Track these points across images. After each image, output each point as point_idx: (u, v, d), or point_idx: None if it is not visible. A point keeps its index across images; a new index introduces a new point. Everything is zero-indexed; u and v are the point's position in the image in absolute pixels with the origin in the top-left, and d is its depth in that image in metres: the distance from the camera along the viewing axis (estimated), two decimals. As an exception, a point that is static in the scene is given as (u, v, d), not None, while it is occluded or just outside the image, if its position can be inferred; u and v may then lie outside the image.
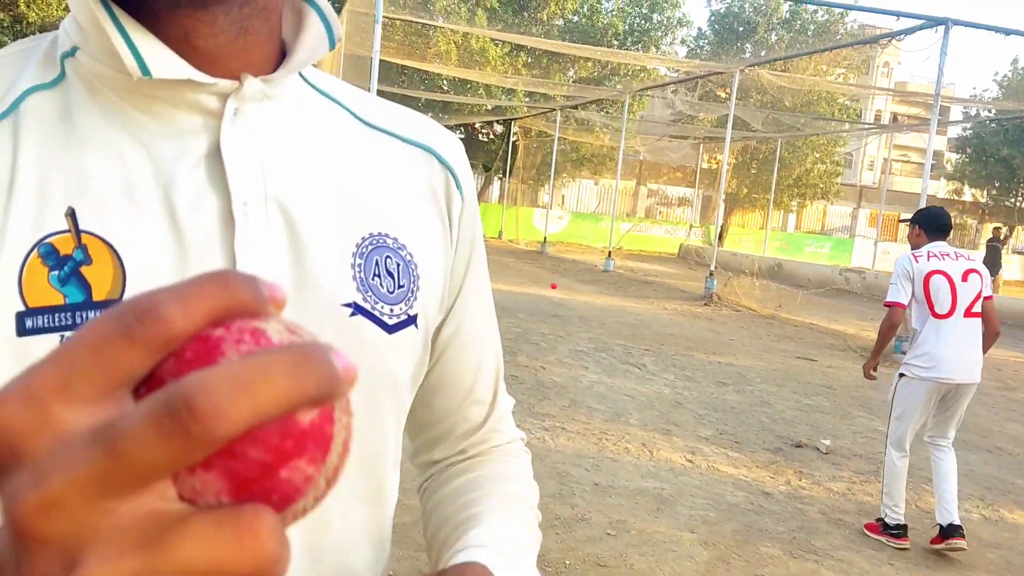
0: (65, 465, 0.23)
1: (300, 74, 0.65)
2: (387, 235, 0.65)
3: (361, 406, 0.62)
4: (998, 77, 31.78)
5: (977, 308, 4.10)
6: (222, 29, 0.54)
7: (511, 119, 24.89)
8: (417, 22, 18.30)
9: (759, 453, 5.37)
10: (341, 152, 0.65)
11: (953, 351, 4.00)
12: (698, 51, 29.63)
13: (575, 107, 21.71)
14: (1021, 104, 19.86)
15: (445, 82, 22.23)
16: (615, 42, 23.68)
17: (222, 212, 0.56)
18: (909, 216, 4.49)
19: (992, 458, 5.84)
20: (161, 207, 0.55)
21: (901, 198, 32.76)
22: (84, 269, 0.53)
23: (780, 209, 30.02)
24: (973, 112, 28.46)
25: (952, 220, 4.42)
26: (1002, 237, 19.88)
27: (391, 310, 0.64)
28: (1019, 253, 31.04)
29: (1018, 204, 30.73)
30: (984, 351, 4.14)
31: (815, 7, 27.91)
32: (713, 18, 30.01)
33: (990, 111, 25.09)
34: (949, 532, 3.94)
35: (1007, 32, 10.57)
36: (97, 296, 0.53)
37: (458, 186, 0.71)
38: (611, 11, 24.59)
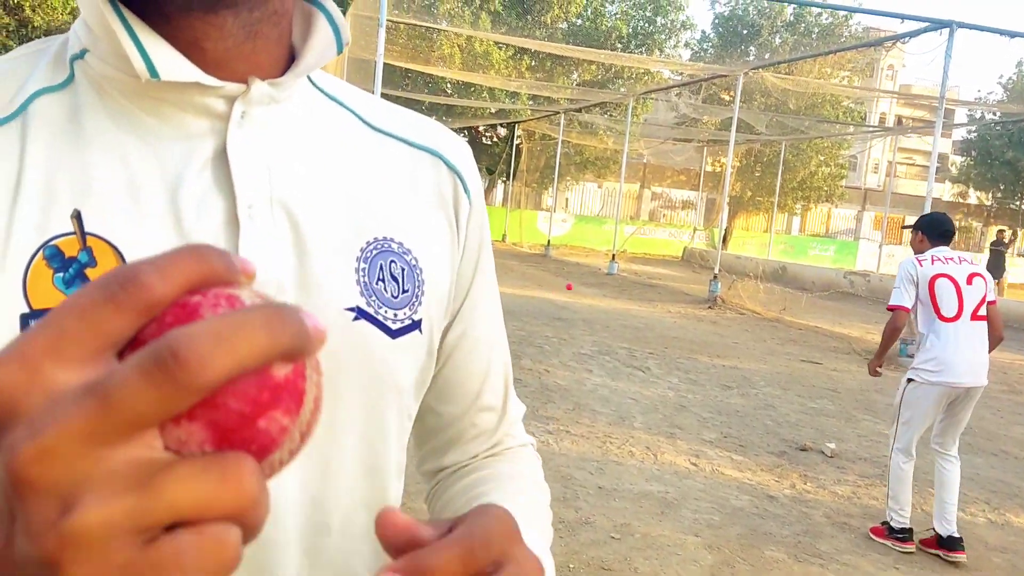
0: (59, 416, 0.25)
1: (308, 78, 0.65)
2: (392, 239, 0.65)
3: (363, 410, 0.62)
4: (1003, 80, 31.71)
5: (983, 312, 4.10)
6: (231, 33, 0.55)
7: (515, 122, 24.91)
8: (421, 25, 18.33)
9: (763, 456, 5.36)
10: (348, 156, 0.65)
11: (961, 354, 3.99)
12: (702, 54, 29.62)
13: (579, 110, 21.72)
14: (1026, 107, 19.83)
15: (449, 85, 22.26)
16: (619, 45, 23.68)
17: (227, 214, 0.57)
18: (912, 222, 4.51)
19: (998, 462, 5.82)
20: (166, 209, 0.55)
21: (906, 201, 32.69)
22: (89, 271, 0.53)
23: (784, 212, 29.99)
24: (978, 115, 28.40)
25: (955, 225, 4.42)
26: (1006, 240, 19.78)
27: (395, 315, 0.64)
28: (1024, 256, 30.95)
29: (1023, 207, 30.66)
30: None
31: (819, 10, 27.90)
32: (717, 21, 30.00)
33: (995, 114, 25.04)
34: (950, 544, 3.94)
35: (1012, 35, 10.56)
36: None
37: (466, 190, 0.71)
38: (615, 14, 24.61)
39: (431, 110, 21.62)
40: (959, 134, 33.38)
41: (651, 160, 30.76)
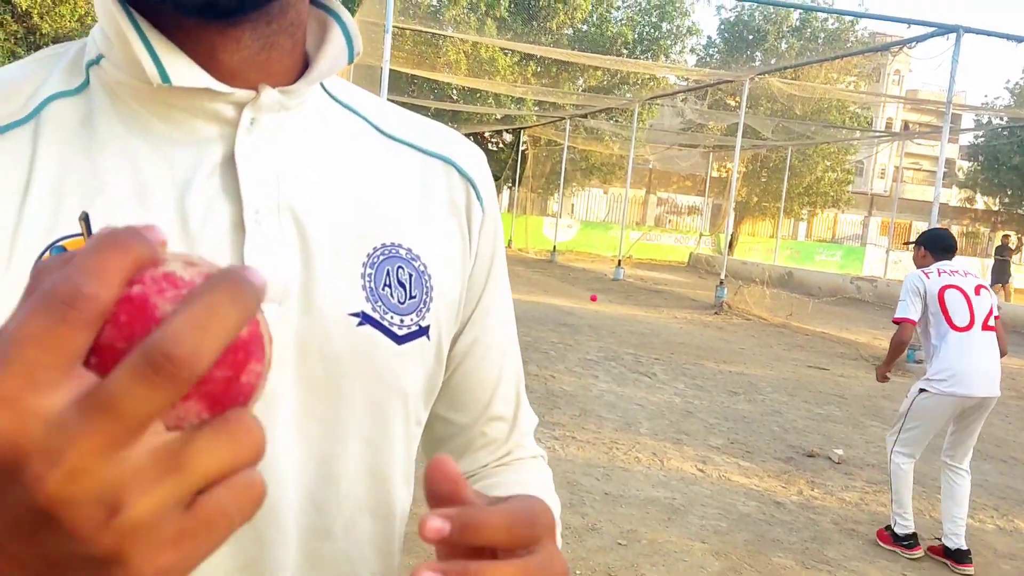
0: (72, 438, 0.27)
1: (322, 85, 0.65)
2: (400, 245, 0.65)
3: (368, 416, 0.63)
4: (1010, 84, 31.65)
5: (991, 322, 4.09)
6: (247, 45, 0.56)
7: (520, 128, 24.93)
8: (427, 32, 18.39)
9: (771, 463, 5.34)
10: (359, 163, 0.65)
11: (974, 364, 3.96)
12: (708, 59, 29.63)
13: (584, 116, 21.73)
14: (1033, 111, 19.77)
15: (455, 91, 22.31)
16: (624, 51, 23.70)
17: (233, 219, 0.57)
18: (914, 239, 4.53)
19: (1007, 468, 5.79)
20: (174, 213, 0.56)
21: (913, 206, 32.61)
22: None
23: (790, 217, 29.92)
24: (985, 120, 28.34)
25: (956, 241, 4.43)
26: (1011, 245, 19.62)
27: (401, 320, 0.63)
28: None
29: (1031, 212, 30.55)
30: None
31: (825, 15, 27.89)
32: (723, 26, 30.00)
33: (1002, 119, 24.98)
34: (958, 557, 3.91)
35: (1019, 39, 10.53)
36: None
37: (479, 197, 0.71)
38: (620, 20, 24.63)
39: (437, 116, 21.66)
40: (966, 139, 33.28)
41: (657, 166, 30.74)
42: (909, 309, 4.11)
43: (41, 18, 16.05)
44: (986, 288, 4.18)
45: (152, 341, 0.27)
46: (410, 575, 0.39)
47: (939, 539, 4.04)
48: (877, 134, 26.88)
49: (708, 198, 29.88)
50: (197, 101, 0.56)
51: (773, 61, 27.12)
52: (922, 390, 4.07)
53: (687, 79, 19.03)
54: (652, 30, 24.87)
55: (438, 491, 0.42)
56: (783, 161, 24.97)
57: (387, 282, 0.63)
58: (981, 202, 33.09)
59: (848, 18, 27.47)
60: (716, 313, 13.18)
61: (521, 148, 25.84)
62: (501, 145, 26.79)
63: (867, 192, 36.27)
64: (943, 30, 10.29)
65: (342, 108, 0.67)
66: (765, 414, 6.66)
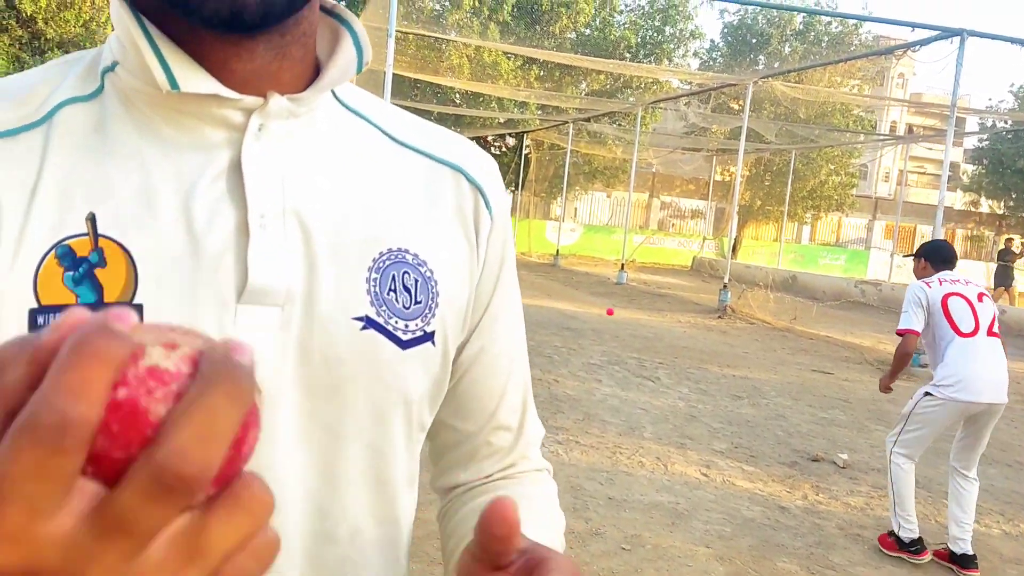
0: (91, 556, 0.27)
1: (333, 93, 0.66)
2: (407, 251, 0.65)
3: (371, 420, 0.62)
4: (1014, 88, 31.60)
5: (996, 329, 4.07)
6: (260, 55, 0.58)
7: (523, 132, 24.95)
8: (430, 36, 18.42)
9: (775, 467, 5.32)
10: (367, 168, 0.66)
11: (980, 370, 3.93)
12: (711, 63, 29.63)
13: (587, 120, 21.74)
14: (1038, 115, 19.72)
15: (458, 95, 22.34)
16: (627, 55, 23.72)
17: (238, 223, 0.58)
18: (913, 252, 4.53)
19: (1013, 472, 5.76)
20: (179, 216, 0.57)
21: (917, 210, 32.56)
22: (98, 271, 0.55)
23: (794, 221, 29.89)
24: (989, 123, 28.29)
25: (956, 252, 4.43)
26: (1015, 249, 19.49)
27: (406, 325, 0.64)
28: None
29: (1035, 215, 30.48)
30: None
31: (829, 19, 27.87)
32: (726, 30, 30.00)
33: (1006, 122, 24.95)
34: (964, 562, 3.89)
35: (1023, 43, 10.51)
36: (108, 298, 0.54)
37: (487, 206, 0.71)
38: (623, 24, 24.65)
39: (440, 120, 21.69)
40: (970, 142, 33.24)
41: (660, 169, 30.73)
42: (912, 320, 4.10)
43: (46, 23, 16.11)
44: (988, 296, 4.19)
45: (158, 460, 0.26)
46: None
47: (945, 544, 4.02)
48: (881, 137, 26.86)
49: (711, 202, 29.85)
50: (206, 107, 0.57)
51: (776, 65, 27.12)
52: (927, 393, 4.05)
53: (690, 83, 19.04)
54: (655, 34, 24.88)
55: (493, 532, 0.42)
56: (787, 165, 24.95)
57: (392, 287, 0.63)
58: (986, 206, 33.03)
59: (852, 21, 27.46)
60: (720, 317, 13.16)
61: (524, 152, 25.86)
62: (504, 149, 26.81)
63: (871, 196, 36.22)
64: (947, 33, 10.27)
65: (352, 115, 0.68)
66: (769, 418, 6.64)
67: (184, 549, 0.28)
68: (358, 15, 10.79)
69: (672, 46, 25.14)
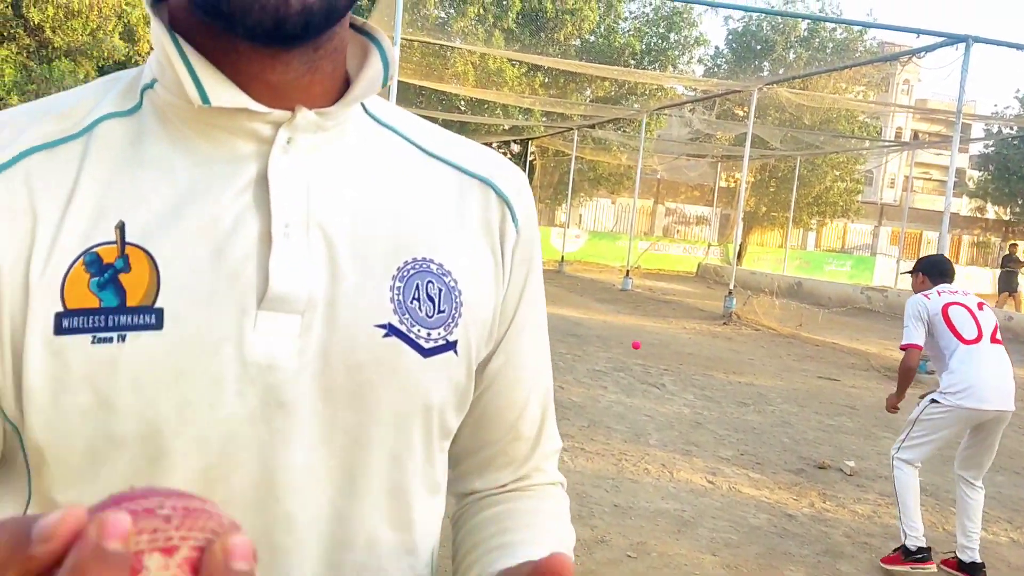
0: None
1: (364, 107, 0.68)
2: (431, 260, 0.66)
3: (392, 427, 0.63)
4: (1020, 94, 31.54)
5: (999, 336, 4.04)
6: (294, 67, 0.60)
7: (528, 139, 24.99)
8: (435, 43, 18.46)
9: (781, 474, 5.30)
10: (396, 180, 0.67)
11: (986, 376, 3.89)
12: (716, 70, 29.64)
13: (592, 126, 21.76)
14: (1044, 121, 19.67)
15: (462, 103, 22.38)
16: (632, 61, 23.74)
17: (262, 232, 0.59)
18: (911, 269, 4.51)
19: (1021, 480, 5.73)
20: (204, 224, 0.59)
21: (923, 216, 32.48)
22: (122, 276, 0.57)
23: (799, 227, 29.85)
24: (995, 129, 28.23)
25: (954, 266, 4.42)
26: (1018, 255, 19.36)
27: (428, 334, 0.64)
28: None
29: (1042, 221, 30.39)
30: None
31: (834, 25, 27.88)
32: (731, 37, 30.03)
33: (1012, 128, 24.88)
34: (972, 571, 3.86)
35: (1029, 48, 10.49)
36: (131, 302, 0.56)
37: (514, 219, 0.72)
38: (628, 31, 24.68)
39: (444, 127, 21.63)
40: (976, 148, 33.18)
41: (665, 176, 30.73)
42: (913, 334, 4.08)
43: (54, 32, 16.19)
44: (987, 306, 4.18)
45: None
46: None
47: (953, 552, 3.99)
48: (886, 144, 26.83)
49: (716, 208, 29.83)
50: (237, 121, 0.60)
51: (781, 71, 27.11)
52: (933, 400, 4.02)
53: (695, 89, 19.04)
54: (660, 41, 24.91)
55: None
56: (792, 171, 24.93)
57: (416, 295, 0.64)
58: (992, 212, 32.95)
59: (856, 28, 27.46)
60: (725, 323, 13.14)
61: (529, 159, 25.88)
62: (509, 156, 26.85)
63: (877, 202, 36.16)
64: (952, 40, 10.26)
65: (383, 128, 0.69)
66: (775, 425, 6.62)
67: None
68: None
69: (676, 53, 25.15)
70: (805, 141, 22.36)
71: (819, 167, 26.68)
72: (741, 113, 22.77)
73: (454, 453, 0.78)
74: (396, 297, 0.63)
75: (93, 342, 0.55)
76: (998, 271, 20.77)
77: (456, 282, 0.67)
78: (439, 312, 0.65)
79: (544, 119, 22.28)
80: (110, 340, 0.56)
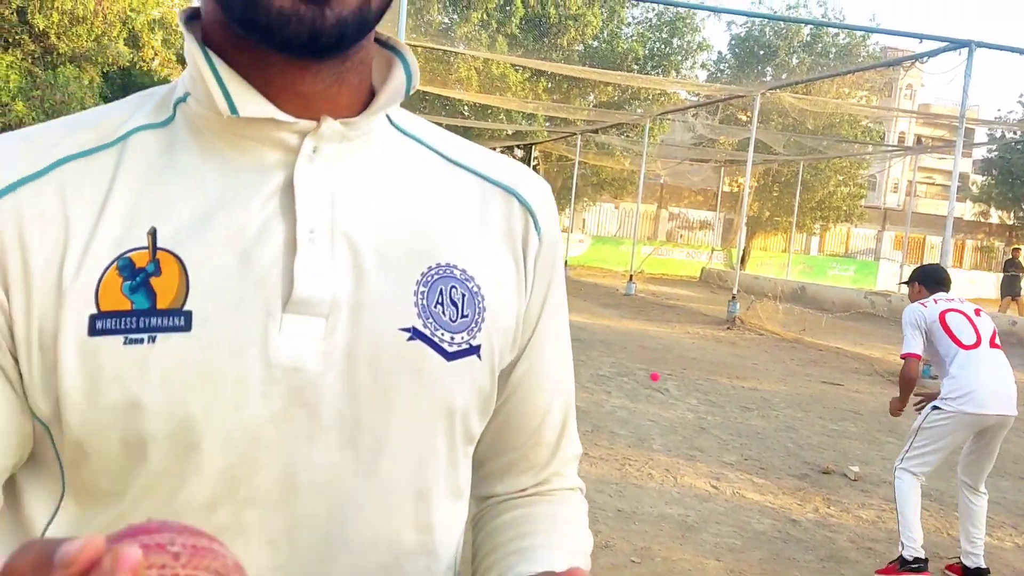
0: None
1: (388, 118, 0.70)
2: (455, 266, 0.67)
3: (415, 430, 0.64)
4: (1023, 99, 31.47)
5: (998, 341, 4.03)
6: (323, 79, 0.62)
7: (531, 144, 25.01)
8: (439, 49, 18.51)
9: (785, 479, 5.29)
10: (420, 188, 0.69)
11: (987, 381, 3.87)
12: (719, 75, 29.66)
13: (595, 131, 21.78)
14: (1047, 125, 19.64)
15: (466, 108, 22.42)
16: (635, 67, 23.76)
17: (287, 237, 0.61)
18: (907, 278, 4.50)
19: (1025, 485, 5.71)
20: (232, 230, 0.61)
21: (927, 220, 32.44)
22: (153, 280, 0.59)
23: (803, 232, 29.82)
24: (998, 134, 28.21)
25: (950, 275, 4.41)
26: (1021, 259, 19.27)
27: (452, 338, 0.65)
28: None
29: (1046, 226, 30.33)
30: None
31: (836, 30, 27.89)
32: (733, 42, 30.05)
33: (1015, 132, 24.86)
34: None
35: (1032, 53, 10.49)
36: (161, 304, 0.59)
37: (536, 227, 0.73)
38: (631, 36, 24.71)
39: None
40: (979, 153, 33.14)
41: (668, 180, 30.73)
42: (911, 343, 4.07)
43: (58, 38, 16.24)
44: (984, 313, 4.17)
45: None
46: None
47: (958, 558, 3.98)
48: (890, 148, 26.81)
49: (720, 213, 29.83)
50: (264, 131, 0.62)
51: (784, 76, 27.11)
52: (935, 407, 3.97)
53: (698, 94, 19.06)
54: (663, 46, 24.94)
55: None
56: (795, 175, 24.92)
57: (440, 300, 0.65)
58: (995, 216, 32.89)
59: (859, 33, 27.46)
60: (729, 328, 13.12)
61: (532, 164, 25.91)
62: (512, 161, 26.81)
63: (880, 206, 36.12)
64: (955, 44, 10.27)
65: (407, 138, 0.71)
66: (779, 430, 6.61)
67: None
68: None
69: (680, 58, 25.18)
70: (808, 146, 22.36)
71: (822, 172, 26.67)
72: (744, 118, 22.76)
73: (476, 457, 0.79)
74: (420, 301, 0.64)
75: (125, 343, 0.58)
76: (1001, 275, 20.73)
77: (479, 288, 0.68)
78: (462, 317, 0.66)
79: (547, 124, 22.30)
80: (141, 341, 0.58)
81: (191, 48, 0.62)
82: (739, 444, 6.04)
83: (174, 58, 20.43)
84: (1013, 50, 10.68)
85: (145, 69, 20.05)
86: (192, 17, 0.65)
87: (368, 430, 0.63)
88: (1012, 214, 31.17)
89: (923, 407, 4.13)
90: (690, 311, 15.37)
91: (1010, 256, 20.07)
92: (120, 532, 0.36)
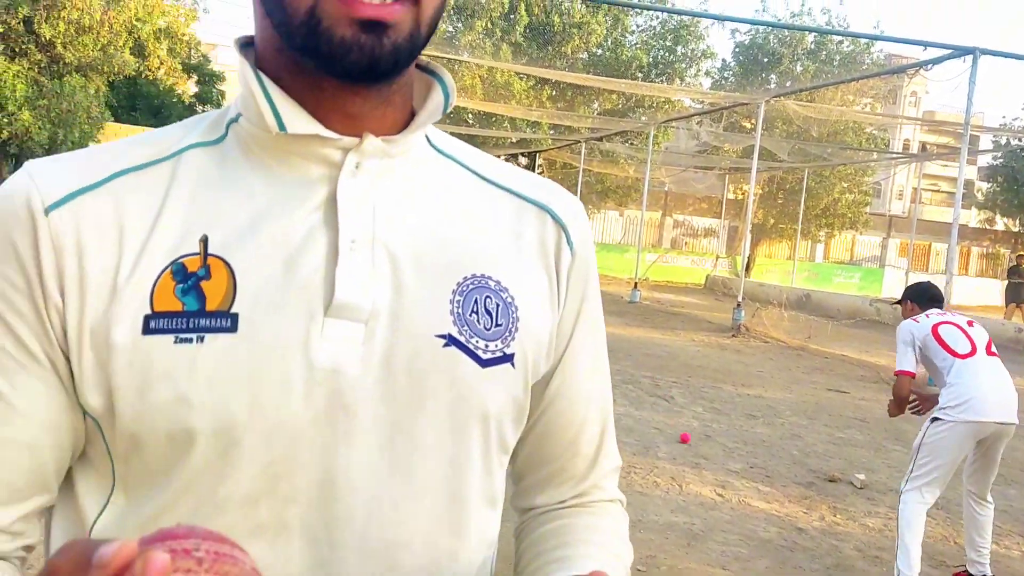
0: None
1: (428, 139, 0.74)
2: (490, 277, 0.70)
3: (450, 434, 0.69)
4: (1028, 105, 31.39)
5: (994, 349, 4.00)
6: (370, 100, 0.66)
7: (536, 151, 25.04)
8: (443, 57, 18.55)
9: (791, 487, 5.27)
10: (456, 203, 0.73)
11: (985, 388, 3.82)
12: (723, 82, 29.67)
13: (600, 139, 21.80)
14: (1052, 132, 19.59)
15: (470, 116, 22.46)
16: (639, 74, 23.80)
17: (330, 247, 0.65)
18: (899, 297, 4.49)
19: (1033, 493, 5.68)
20: (278, 239, 0.65)
21: (932, 227, 32.38)
22: (203, 283, 0.63)
23: (808, 239, 29.77)
24: (1003, 141, 28.16)
25: (941, 291, 4.39)
26: None
27: (486, 345, 0.68)
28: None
29: (1052, 233, 30.24)
30: None
31: (840, 38, 27.90)
32: (737, 49, 30.06)
33: (1020, 139, 24.82)
34: None
35: (1037, 60, 10.48)
36: (210, 307, 0.62)
37: (569, 242, 0.76)
38: (635, 44, 24.76)
39: (453, 140, 21.73)
40: (984, 160, 33.09)
41: (673, 188, 30.72)
42: (903, 361, 4.05)
43: (65, 48, 16.33)
44: (977, 324, 4.15)
45: None
46: None
47: (964, 567, 3.96)
48: (894, 155, 26.78)
49: (724, 220, 29.79)
50: (310, 147, 0.66)
51: (788, 84, 27.12)
52: (935, 419, 3.88)
53: (702, 102, 19.07)
54: (667, 54, 24.97)
55: None
56: (800, 183, 24.89)
57: (475, 309, 0.68)
58: (1001, 223, 32.81)
59: (864, 41, 27.46)
60: (734, 336, 13.10)
61: (536, 172, 25.89)
62: (517, 169, 26.84)
63: (885, 213, 36.06)
64: (960, 52, 10.26)
65: (444, 158, 0.75)
66: (785, 438, 6.59)
67: None
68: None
69: (684, 66, 25.20)
70: (813, 153, 22.34)
71: (827, 179, 26.63)
72: (748, 125, 22.77)
73: (516, 470, 0.82)
74: (456, 310, 0.68)
75: (175, 342, 0.61)
76: (1006, 282, 20.67)
77: (513, 299, 0.71)
78: (496, 325, 0.69)
79: (552, 132, 22.33)
80: (190, 340, 0.61)
81: (245, 71, 0.66)
82: (744, 452, 6.02)
83: (179, 67, 20.51)
84: (1018, 57, 10.67)
85: (151, 78, 20.14)
86: (247, 44, 0.70)
87: (404, 433, 0.65)
88: (1017, 221, 31.09)
89: (918, 410, 4.11)
90: (695, 318, 15.35)
91: (1014, 263, 19.98)
92: (151, 536, 0.40)
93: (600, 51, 24.34)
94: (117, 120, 21.09)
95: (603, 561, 0.73)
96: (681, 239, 33.18)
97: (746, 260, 18.72)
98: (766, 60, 29.02)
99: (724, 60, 30.29)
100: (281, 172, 0.67)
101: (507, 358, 0.69)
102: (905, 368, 4.05)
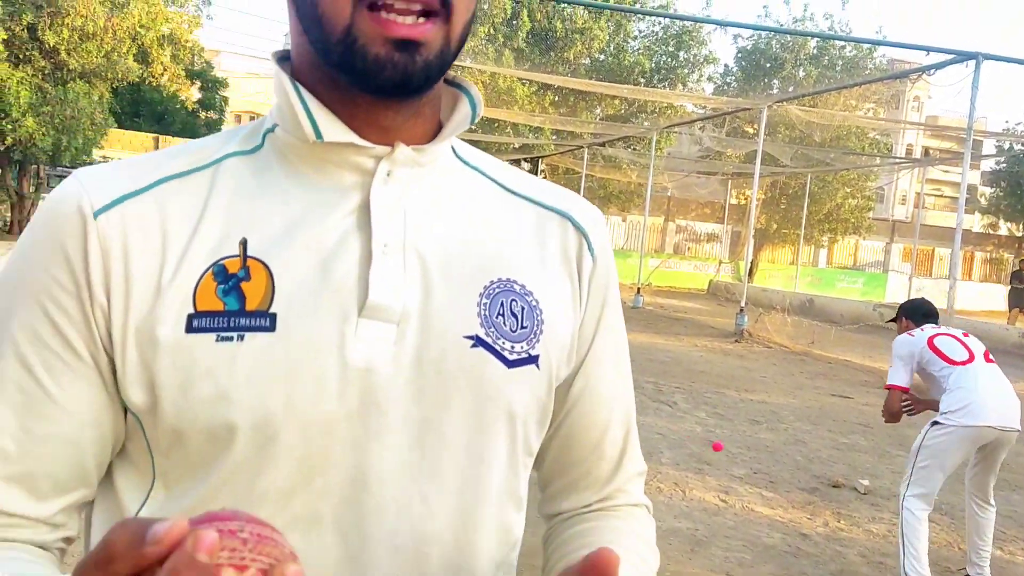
0: None
1: (454, 150, 0.78)
2: (515, 281, 0.73)
3: (476, 432, 0.71)
4: (1031, 110, 31.40)
5: (992, 357, 3.99)
6: (401, 112, 0.69)
7: (538, 157, 25.07)
8: (446, 63, 18.56)
9: (795, 493, 5.26)
10: (482, 212, 0.76)
11: (985, 393, 3.79)
12: (725, 87, 29.68)
13: (602, 144, 21.82)
14: (1056, 137, 19.58)
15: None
16: (642, 80, 23.83)
17: (363, 250, 0.68)
18: (893, 315, 4.49)
19: (1038, 499, 5.66)
20: (314, 243, 0.67)
21: (935, 232, 32.34)
22: (243, 284, 0.65)
23: (811, 244, 29.75)
24: (1006, 146, 28.15)
25: (935, 307, 4.39)
26: None
27: (512, 347, 0.71)
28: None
29: (1055, 237, 30.19)
30: None
31: (843, 43, 27.92)
32: (740, 55, 30.08)
33: (1023, 144, 24.80)
34: None
35: (1039, 65, 10.47)
36: (249, 307, 0.65)
37: (590, 249, 0.79)
38: (637, 50, 24.79)
39: (456, 146, 21.75)
40: (987, 165, 33.06)
41: (675, 193, 30.73)
42: (896, 375, 4.05)
43: (68, 54, 16.39)
44: (973, 335, 4.15)
45: None
46: None
47: (964, 570, 3.94)
48: (897, 160, 26.77)
49: (727, 225, 29.79)
50: (344, 155, 0.69)
51: (791, 89, 27.13)
52: (935, 423, 3.87)
53: (705, 107, 19.09)
54: (669, 59, 25.01)
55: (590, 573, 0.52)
56: (802, 188, 24.89)
57: (501, 312, 0.71)
58: (1004, 228, 32.78)
59: (866, 46, 27.47)
60: (737, 341, 13.09)
61: (539, 177, 25.92)
62: (519, 174, 26.86)
63: (888, 218, 36.03)
64: (962, 57, 10.26)
65: (470, 169, 0.78)
66: (788, 443, 6.57)
67: None
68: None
69: (686, 71, 25.24)
70: (815, 158, 22.33)
71: (830, 184, 26.62)
72: (751, 130, 22.77)
73: (543, 476, 0.84)
74: (483, 312, 0.70)
75: (217, 340, 0.64)
76: (1009, 287, 20.64)
77: (538, 302, 0.73)
78: (522, 328, 0.72)
79: (554, 137, 22.36)
80: (231, 339, 0.64)
81: (283, 83, 0.69)
82: (748, 457, 6.01)
83: (183, 73, 20.56)
84: (1021, 62, 10.67)
85: (154, 84, 20.20)
86: (283, 58, 0.73)
87: (433, 431, 0.68)
88: (1021, 226, 31.07)
89: (912, 411, 4.10)
90: (698, 324, 15.34)
91: (1018, 268, 19.95)
92: (200, 517, 0.42)
93: (602, 56, 24.38)
94: (121, 126, 21.13)
95: (628, 563, 0.73)
96: (684, 244, 33.17)
97: (749, 265, 18.70)
98: (768, 65, 29.03)
99: (726, 65, 30.35)
100: (316, 179, 0.70)
101: (532, 359, 0.72)
102: (895, 382, 4.06)
